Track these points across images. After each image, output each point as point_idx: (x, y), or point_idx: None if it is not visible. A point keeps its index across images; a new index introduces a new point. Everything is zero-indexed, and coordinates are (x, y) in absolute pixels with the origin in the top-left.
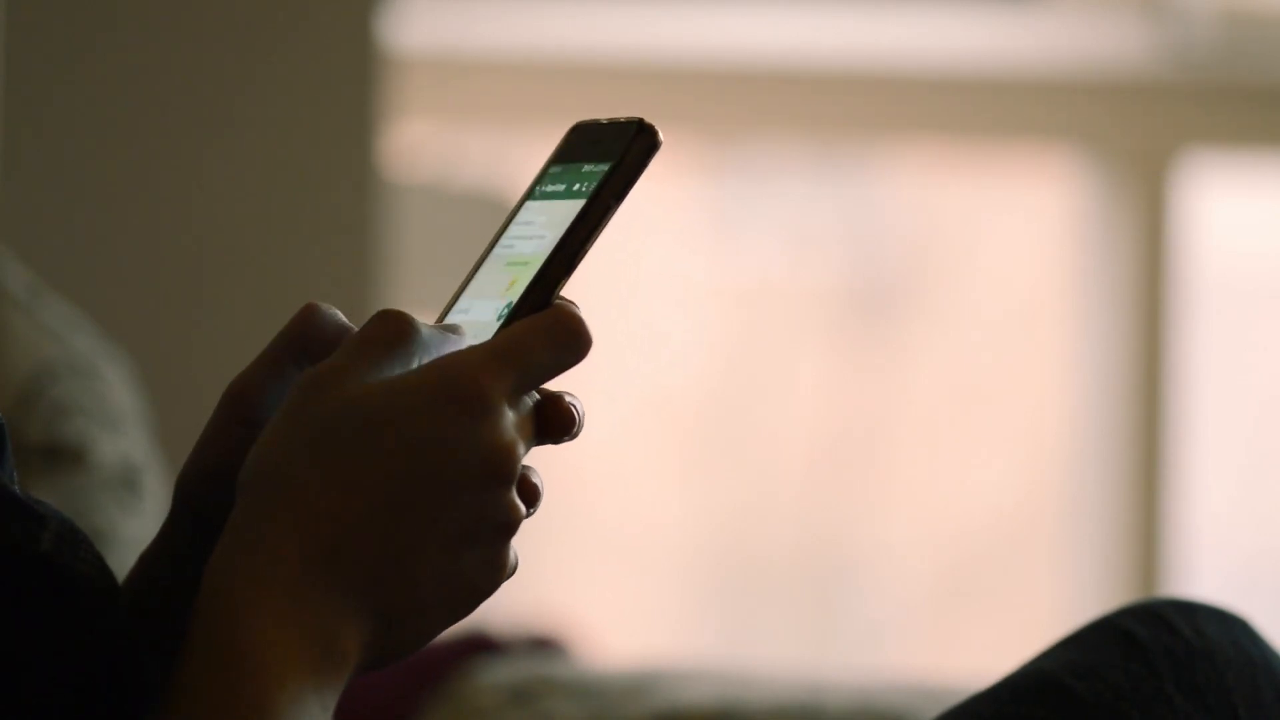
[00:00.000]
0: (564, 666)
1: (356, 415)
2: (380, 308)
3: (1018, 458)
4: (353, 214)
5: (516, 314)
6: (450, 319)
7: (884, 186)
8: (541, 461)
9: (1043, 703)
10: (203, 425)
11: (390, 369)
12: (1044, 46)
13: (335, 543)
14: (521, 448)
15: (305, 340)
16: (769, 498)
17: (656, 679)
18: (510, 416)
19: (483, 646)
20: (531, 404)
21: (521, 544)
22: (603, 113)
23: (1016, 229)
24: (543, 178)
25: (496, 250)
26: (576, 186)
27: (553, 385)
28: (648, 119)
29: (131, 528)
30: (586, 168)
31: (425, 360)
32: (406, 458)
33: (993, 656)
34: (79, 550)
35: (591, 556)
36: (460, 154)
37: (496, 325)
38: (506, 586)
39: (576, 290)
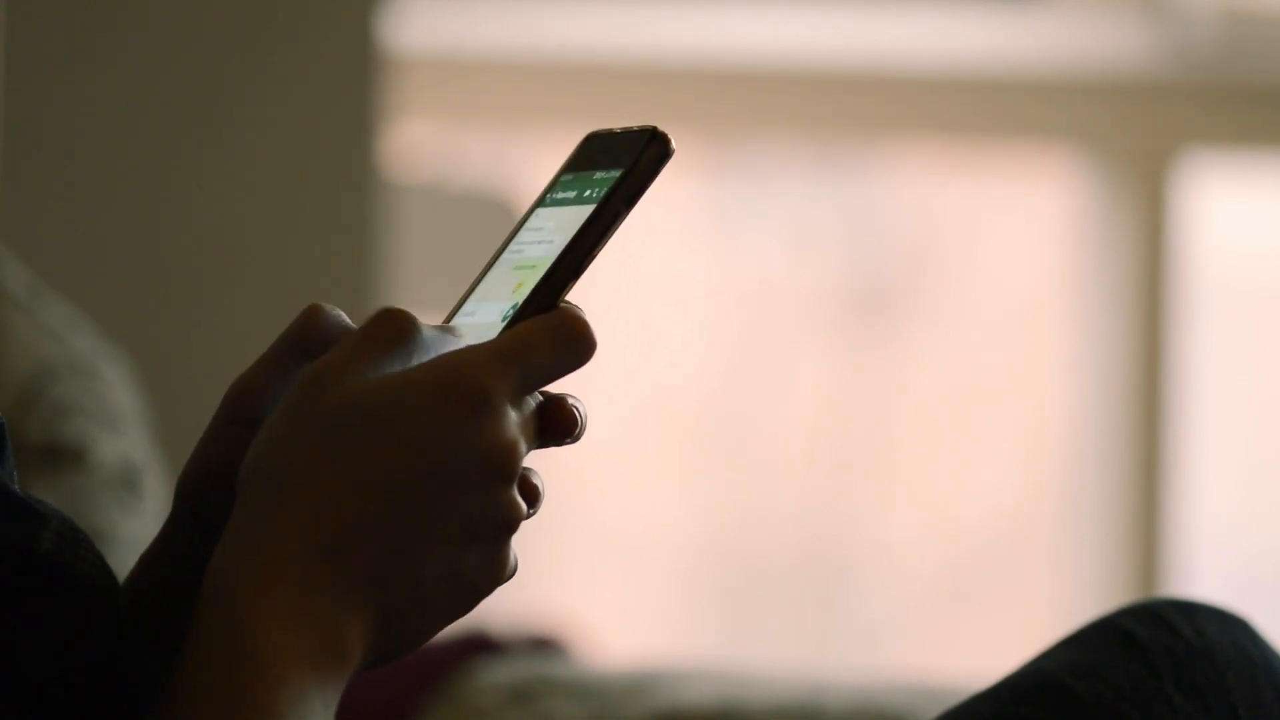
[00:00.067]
0: (564, 666)
1: (358, 412)
2: (381, 306)
3: (1018, 458)
4: (353, 214)
5: (521, 315)
6: (456, 321)
7: (884, 186)
8: (542, 462)
9: (1043, 703)
10: (203, 425)
11: (390, 367)
12: (1044, 46)
13: (338, 541)
14: (523, 446)
15: (308, 341)
16: (769, 498)
17: (656, 679)
18: (512, 415)
19: (483, 646)
20: (534, 405)
21: (521, 544)
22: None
23: (1016, 229)
24: (554, 185)
25: (505, 255)
26: (587, 193)
27: (554, 388)
28: (661, 127)
29: (131, 528)
30: (598, 175)
31: (425, 359)
32: (409, 456)
33: (993, 656)
34: (80, 549)
35: (591, 556)
36: (460, 154)
37: (501, 326)
38: (506, 586)
39: (577, 292)
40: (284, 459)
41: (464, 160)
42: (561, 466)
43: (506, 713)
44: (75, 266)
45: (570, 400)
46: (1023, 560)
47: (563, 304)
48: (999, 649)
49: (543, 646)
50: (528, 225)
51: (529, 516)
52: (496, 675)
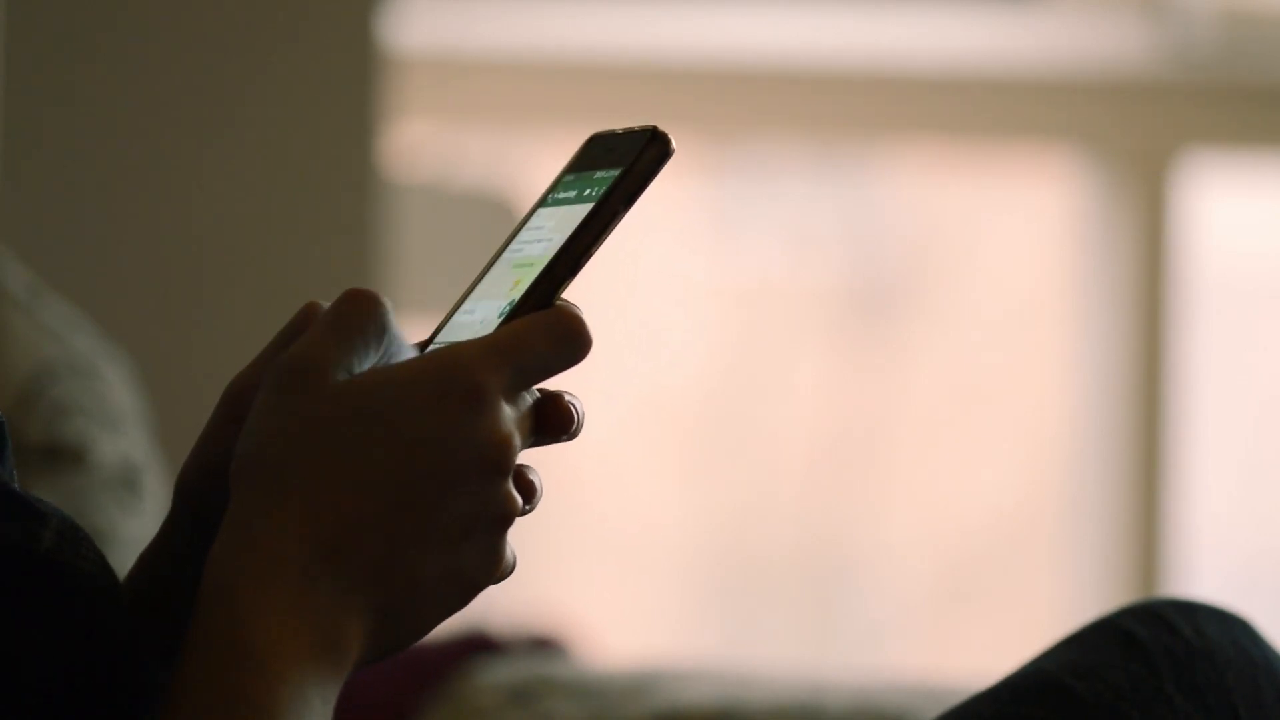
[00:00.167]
0: (564, 666)
1: (352, 409)
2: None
3: (1018, 458)
4: (353, 214)
5: (518, 312)
6: (456, 319)
7: (884, 186)
8: (541, 462)
9: (1043, 703)
10: (202, 425)
11: (365, 353)
12: (1044, 46)
13: (336, 539)
14: (518, 441)
15: None
16: (769, 498)
17: (656, 679)
18: (507, 411)
19: (483, 646)
20: (531, 401)
21: (521, 544)
22: (602, 113)
23: (1016, 229)
24: (556, 186)
25: (505, 254)
26: (587, 192)
27: (554, 386)
28: (661, 128)
29: (131, 528)
30: (598, 174)
31: (396, 342)
32: (405, 452)
33: (993, 656)
34: (80, 548)
35: (591, 556)
36: (460, 154)
37: (498, 323)
38: (506, 585)
39: (577, 292)
40: (278, 454)
41: (464, 160)
42: (562, 466)
43: (506, 713)
44: (75, 266)
45: (567, 397)
46: (1023, 560)
47: (559, 301)
48: (999, 649)
49: (543, 646)
50: (529, 225)
51: (526, 512)
52: (496, 675)
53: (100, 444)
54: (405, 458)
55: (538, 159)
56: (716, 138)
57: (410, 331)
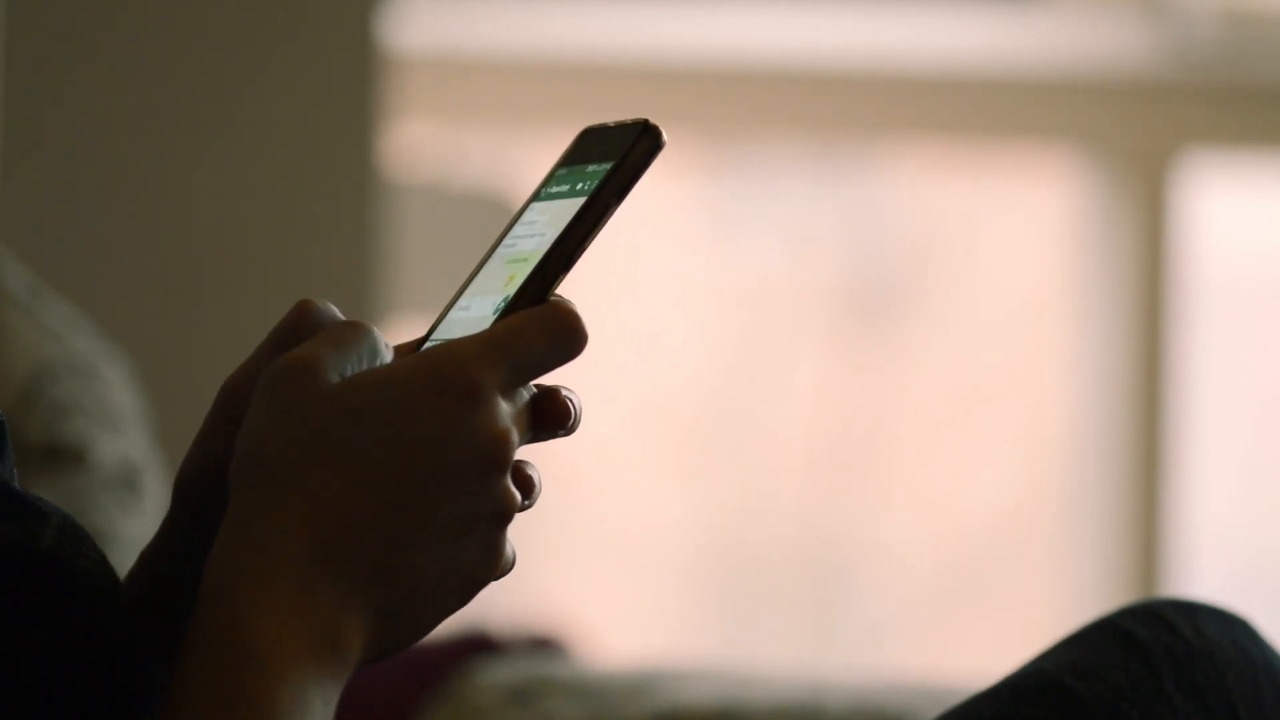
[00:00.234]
0: (564, 666)
1: (349, 408)
2: (381, 308)
3: (1018, 458)
4: (353, 214)
5: (513, 308)
6: (451, 316)
7: (884, 186)
8: (542, 461)
9: (1043, 703)
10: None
11: (359, 361)
12: (1044, 46)
13: (337, 538)
14: (515, 437)
15: (300, 336)
16: (769, 498)
17: (656, 679)
18: (504, 406)
19: (483, 646)
20: (528, 397)
21: (521, 543)
22: (602, 113)
23: (1016, 229)
24: (549, 180)
25: (499, 250)
26: (579, 185)
27: (551, 381)
28: (652, 120)
29: (131, 528)
30: (591, 168)
31: (383, 345)
32: (403, 450)
33: (993, 656)
34: (81, 547)
35: (591, 556)
36: (460, 154)
37: (492, 319)
38: (506, 585)
39: (577, 291)
40: (277, 454)
41: (464, 160)
42: (561, 466)
43: (506, 713)
44: (75, 266)
45: (564, 391)
46: (1023, 560)
47: (554, 297)
48: (999, 649)
49: (543, 646)
50: (522, 219)
51: (525, 508)
52: (496, 675)
53: (100, 444)
54: (404, 456)
55: (537, 159)
56: (716, 138)
57: (408, 330)
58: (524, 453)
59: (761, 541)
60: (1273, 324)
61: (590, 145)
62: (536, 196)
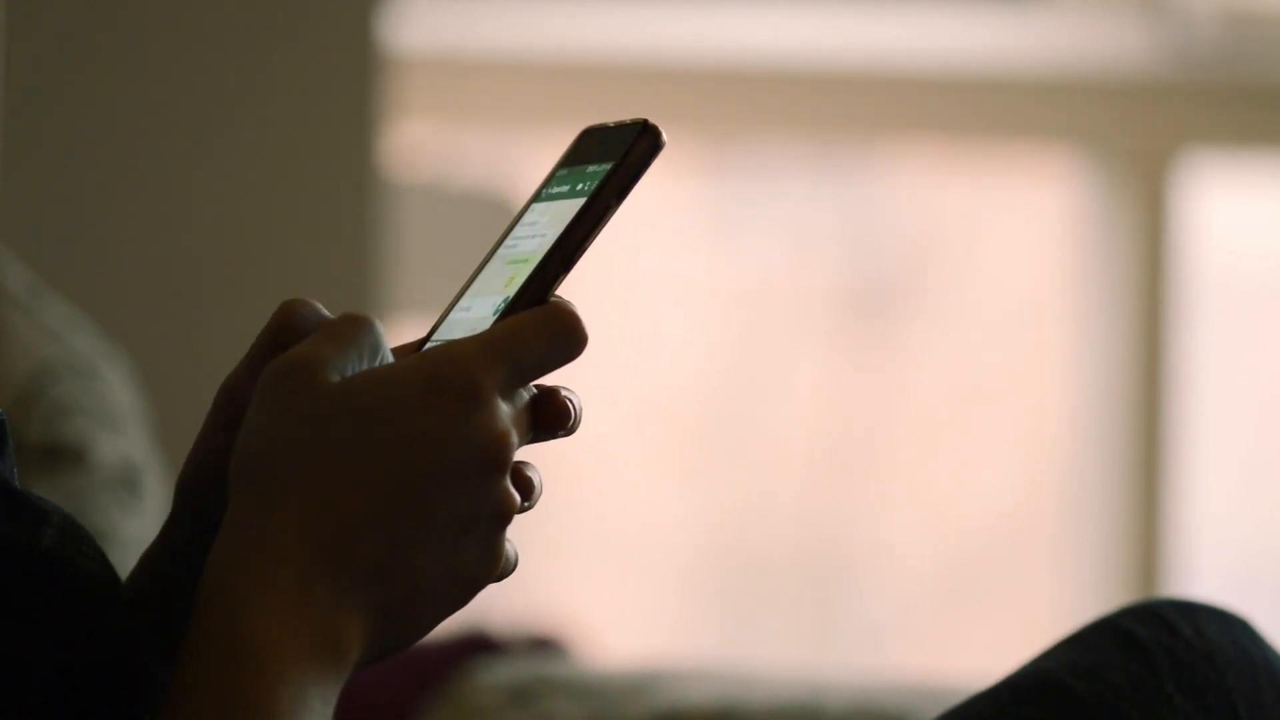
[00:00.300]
0: (564, 666)
1: (349, 408)
2: (381, 308)
3: (1018, 458)
4: (353, 214)
5: (512, 309)
6: (452, 317)
7: (884, 186)
8: (542, 461)
9: (1043, 703)
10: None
11: (360, 359)
12: (1044, 46)
13: (337, 539)
14: (515, 438)
15: (287, 335)
16: (769, 498)
17: (656, 679)
18: (503, 407)
19: (483, 646)
20: (528, 398)
21: (521, 544)
22: (602, 113)
23: (1016, 229)
24: (550, 180)
25: (500, 251)
26: (580, 186)
27: (552, 382)
28: (652, 120)
29: (131, 528)
30: (591, 168)
31: (384, 339)
32: (402, 451)
33: (993, 656)
34: (81, 546)
35: (591, 556)
36: (460, 154)
37: (493, 320)
38: (506, 585)
39: (576, 291)
40: (275, 454)
41: (464, 160)
42: (562, 466)
43: (506, 713)
44: (75, 266)
45: (564, 392)
46: (1023, 560)
47: (554, 297)
48: (999, 649)
49: (543, 646)
50: (523, 220)
51: (525, 510)
52: (496, 675)
53: (100, 444)
54: (403, 456)
55: (537, 159)
56: (716, 138)
57: (408, 330)
58: (524, 453)
59: (761, 541)
60: (1273, 324)
61: (590, 146)
62: (537, 197)
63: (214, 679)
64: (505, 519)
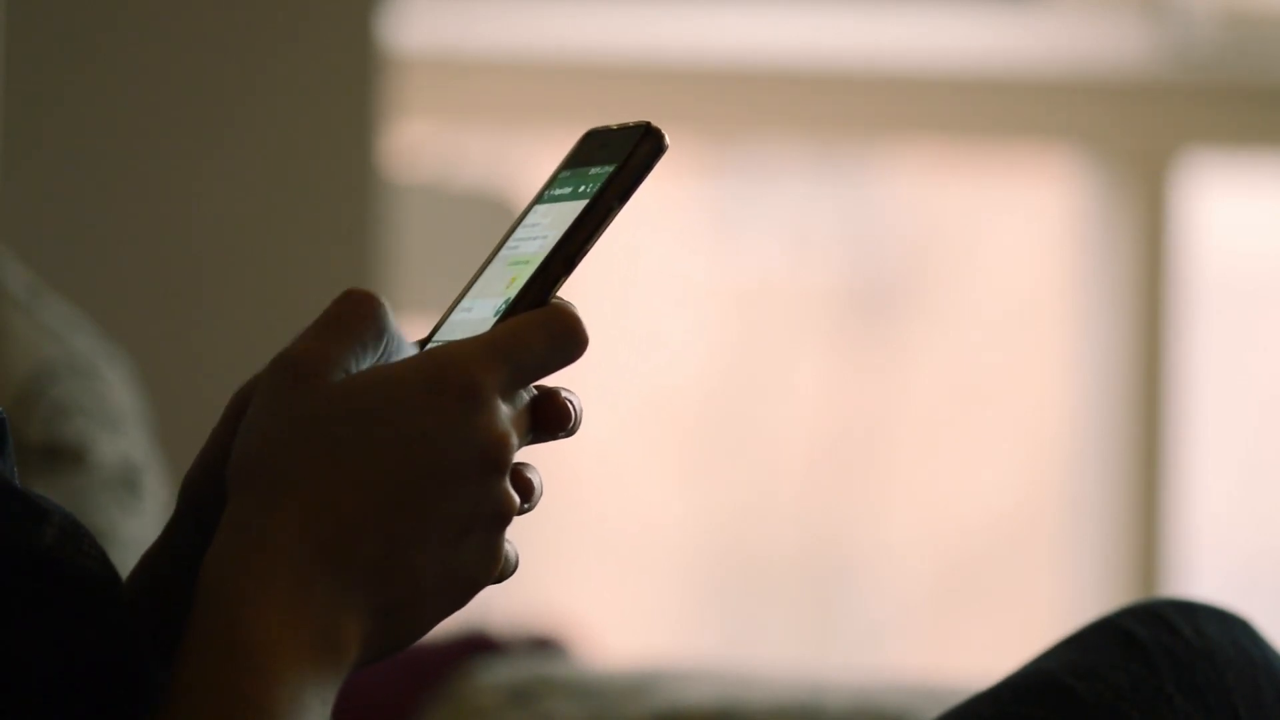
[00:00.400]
0: (564, 666)
1: (349, 408)
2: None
3: (1018, 458)
4: (353, 214)
5: (513, 310)
6: (453, 317)
7: (884, 186)
8: (541, 462)
9: (1043, 703)
10: (203, 425)
11: (363, 353)
12: (1044, 46)
13: (336, 539)
14: (514, 439)
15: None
16: (769, 498)
17: (656, 679)
18: (503, 408)
19: (483, 646)
20: (528, 399)
21: (521, 544)
22: (602, 113)
23: (1016, 229)
24: (552, 182)
25: (502, 251)
26: (582, 188)
27: (552, 382)
28: (655, 123)
29: (131, 528)
30: (593, 170)
31: (396, 340)
32: (402, 451)
33: (993, 656)
34: (82, 545)
35: (591, 556)
36: (460, 154)
37: (494, 321)
38: (506, 585)
39: (577, 291)
40: (279, 455)
41: (464, 160)
42: (562, 466)
43: (506, 713)
44: (75, 266)
45: (564, 393)
46: (1023, 560)
47: (555, 299)
48: (999, 649)
49: (543, 646)
50: (525, 221)
51: (525, 511)
52: (496, 675)
53: (100, 444)
54: (403, 457)
55: (538, 159)
56: (716, 138)
57: (409, 331)
58: (524, 455)
59: (761, 541)
60: (1273, 324)
61: (593, 148)
62: (540, 199)
63: (213, 679)
64: (505, 520)
